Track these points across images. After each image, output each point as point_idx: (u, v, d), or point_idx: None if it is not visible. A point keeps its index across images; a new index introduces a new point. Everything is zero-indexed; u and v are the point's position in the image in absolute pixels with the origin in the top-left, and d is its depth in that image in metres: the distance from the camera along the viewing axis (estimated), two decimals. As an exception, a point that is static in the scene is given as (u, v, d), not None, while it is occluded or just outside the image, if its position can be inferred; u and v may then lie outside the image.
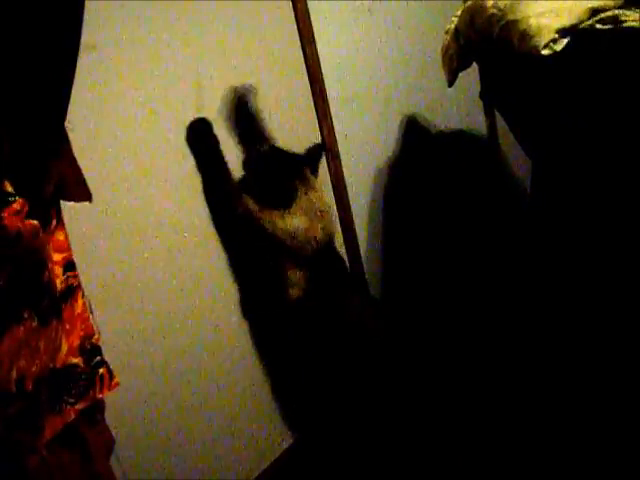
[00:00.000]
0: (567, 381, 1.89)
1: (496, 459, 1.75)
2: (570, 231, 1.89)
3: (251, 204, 1.71)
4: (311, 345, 1.75)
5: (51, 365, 0.87)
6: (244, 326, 1.83)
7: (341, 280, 1.83)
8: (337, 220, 2.13)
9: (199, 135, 1.69)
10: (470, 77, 2.13)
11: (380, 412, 1.75)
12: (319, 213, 1.78)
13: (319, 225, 1.77)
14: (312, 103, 2.08)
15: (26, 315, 0.79)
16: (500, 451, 1.77)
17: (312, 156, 1.93)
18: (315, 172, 1.90)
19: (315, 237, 1.75)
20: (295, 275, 1.73)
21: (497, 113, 2.54)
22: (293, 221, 1.72)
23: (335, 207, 2.15)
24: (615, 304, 1.79)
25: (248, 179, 1.77)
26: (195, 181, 1.67)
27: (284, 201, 1.73)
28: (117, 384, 1.03)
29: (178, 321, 1.64)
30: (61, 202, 0.99)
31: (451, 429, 1.83)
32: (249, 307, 1.83)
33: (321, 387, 1.79)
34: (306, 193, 1.77)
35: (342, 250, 2.09)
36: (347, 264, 2.01)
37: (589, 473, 1.62)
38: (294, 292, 1.73)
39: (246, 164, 1.79)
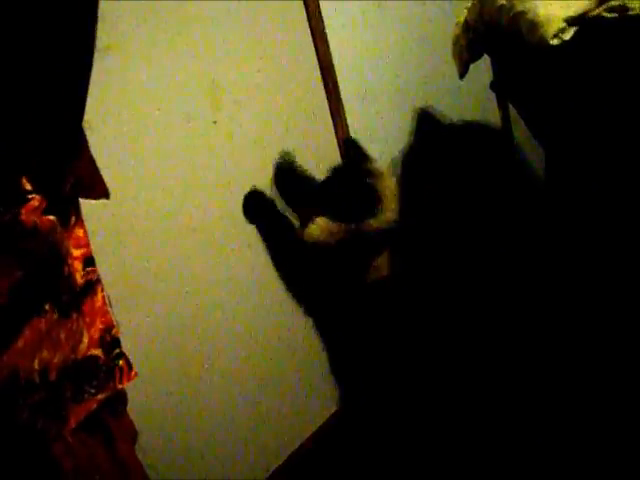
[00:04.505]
0: (571, 379, 1.90)
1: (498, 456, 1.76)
2: (586, 220, 1.89)
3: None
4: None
5: (73, 356, 0.90)
6: (262, 315, 1.87)
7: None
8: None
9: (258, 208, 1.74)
10: (482, 68, 2.14)
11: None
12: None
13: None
14: (325, 99, 2.10)
15: (47, 307, 0.82)
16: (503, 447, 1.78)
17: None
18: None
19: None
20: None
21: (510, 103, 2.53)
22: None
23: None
24: (628, 299, 1.79)
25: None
26: (209, 178, 1.71)
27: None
28: (136, 375, 1.06)
29: (199, 312, 1.67)
30: (80, 200, 1.02)
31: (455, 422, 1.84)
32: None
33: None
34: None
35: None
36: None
37: (589, 473, 1.62)
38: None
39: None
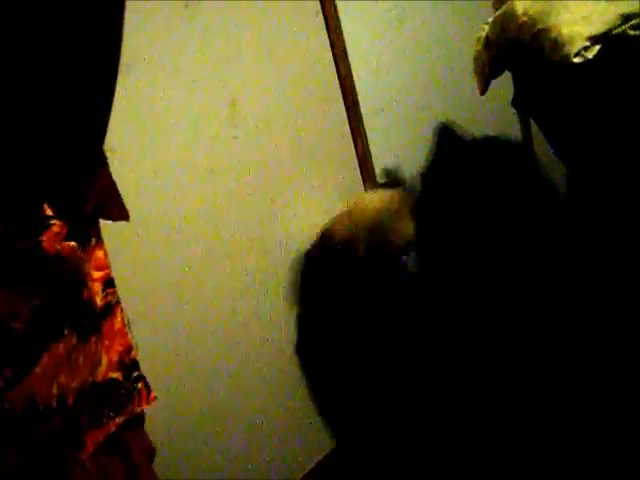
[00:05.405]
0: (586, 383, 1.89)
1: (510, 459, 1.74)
2: (606, 237, 1.87)
3: None
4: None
5: (91, 380, 0.89)
6: (280, 333, 1.86)
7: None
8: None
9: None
10: (503, 84, 2.12)
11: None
12: None
13: None
14: (345, 116, 2.10)
15: (66, 332, 0.81)
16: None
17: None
18: None
19: None
20: None
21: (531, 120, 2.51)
22: None
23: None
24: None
25: None
26: (231, 195, 1.70)
27: None
28: (155, 398, 1.05)
29: (216, 331, 1.66)
30: (101, 221, 1.02)
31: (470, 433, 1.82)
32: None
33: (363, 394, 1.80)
34: None
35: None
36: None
37: (589, 473, 1.61)
38: None
39: None
